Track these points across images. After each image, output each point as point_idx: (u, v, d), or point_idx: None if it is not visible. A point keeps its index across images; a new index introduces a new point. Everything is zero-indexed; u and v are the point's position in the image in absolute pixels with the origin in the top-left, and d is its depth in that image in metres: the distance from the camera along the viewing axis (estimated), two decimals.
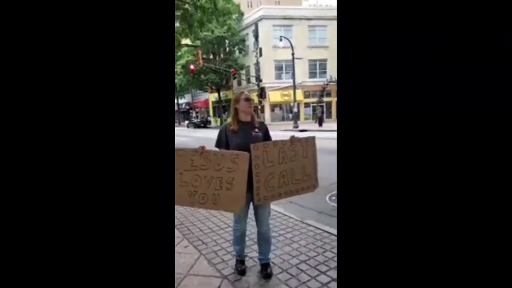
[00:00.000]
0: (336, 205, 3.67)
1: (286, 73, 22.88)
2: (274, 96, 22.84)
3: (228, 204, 1.86)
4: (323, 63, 23.72)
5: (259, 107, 21.18)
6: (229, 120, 2.02)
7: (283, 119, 23.94)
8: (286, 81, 21.77)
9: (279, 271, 2.11)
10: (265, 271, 2.06)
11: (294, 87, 18.43)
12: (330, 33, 23.21)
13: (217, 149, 1.97)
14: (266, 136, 2.01)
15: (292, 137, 1.98)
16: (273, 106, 23.85)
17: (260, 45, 20.05)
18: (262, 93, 19.55)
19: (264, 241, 2.09)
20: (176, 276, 2.08)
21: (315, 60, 23.44)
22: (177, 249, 2.54)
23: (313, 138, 2.08)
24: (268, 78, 22.20)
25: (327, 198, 3.88)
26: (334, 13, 22.81)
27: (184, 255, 2.41)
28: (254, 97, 21.34)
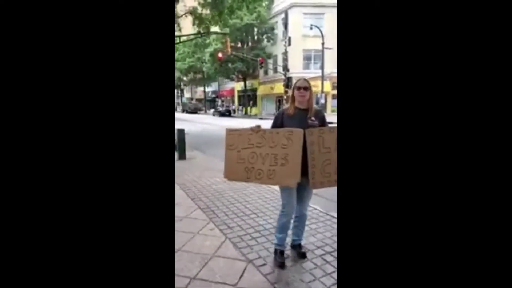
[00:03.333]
0: None
1: (314, 63, 22.29)
2: None
3: (283, 179, 1.92)
4: None
5: (285, 97, 20.94)
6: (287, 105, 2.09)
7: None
8: (314, 71, 21.24)
9: (305, 260, 2.12)
10: (299, 249, 2.19)
11: (323, 77, 17.96)
12: None
13: None
14: (323, 125, 2.00)
15: None
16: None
17: (289, 34, 19.62)
18: (289, 83, 19.23)
19: (301, 223, 2.18)
20: (203, 256, 2.16)
21: None
22: (203, 231, 2.63)
23: None
24: (296, 68, 21.76)
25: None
26: None
27: (211, 238, 2.50)
28: (280, 87, 21.16)
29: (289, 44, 19.49)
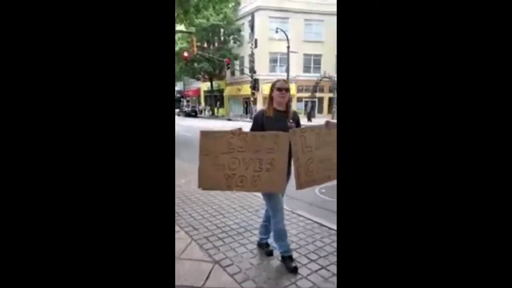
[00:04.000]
0: (325, 198, 3.74)
1: (280, 66, 22.76)
2: (267, 89, 22.53)
3: (268, 185, 1.82)
4: (317, 58, 23.70)
5: (252, 98, 21.11)
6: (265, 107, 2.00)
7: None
8: (280, 74, 21.66)
9: (271, 258, 2.15)
10: (267, 248, 2.21)
11: (288, 80, 18.39)
12: (326, 28, 23.15)
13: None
14: (297, 127, 1.98)
15: (327, 122, 1.97)
16: (266, 99, 23.81)
17: (255, 36, 19.82)
18: (255, 85, 19.43)
19: (271, 223, 2.13)
20: None
21: (310, 55, 23.39)
22: None
23: None
24: (262, 70, 22.03)
25: (316, 191, 3.94)
26: (331, 8, 22.78)
27: (176, 240, 2.41)
28: (247, 89, 21.27)
29: (256, 46, 19.68)
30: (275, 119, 1.91)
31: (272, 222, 2.00)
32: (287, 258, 2.01)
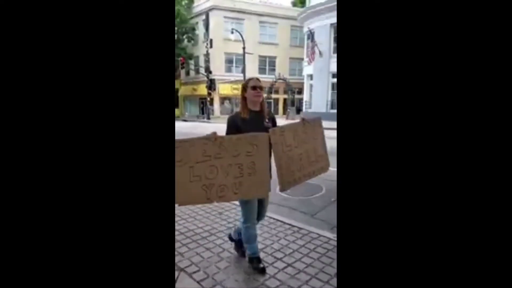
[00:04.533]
0: (284, 195, 3.85)
1: (236, 67, 22.82)
2: (224, 89, 22.63)
3: (252, 191, 1.72)
4: (272, 60, 24.29)
5: (208, 99, 20.81)
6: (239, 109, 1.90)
7: (232, 112, 23.63)
8: (237, 74, 21.75)
9: (236, 260, 2.14)
10: (241, 248, 2.19)
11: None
12: (280, 31, 23.85)
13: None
14: (274, 126, 1.91)
15: (303, 119, 1.94)
16: (223, 99, 23.65)
17: (210, 36, 19.55)
18: (211, 85, 19.19)
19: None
20: None
21: (265, 57, 23.86)
22: None
23: (319, 118, 2.06)
24: (218, 70, 21.85)
25: (277, 189, 4.03)
26: (284, 12, 23.54)
27: None
28: (203, 89, 20.89)
29: (211, 46, 19.43)
30: (251, 120, 1.82)
31: (243, 226, 1.96)
32: (254, 259, 2.01)
